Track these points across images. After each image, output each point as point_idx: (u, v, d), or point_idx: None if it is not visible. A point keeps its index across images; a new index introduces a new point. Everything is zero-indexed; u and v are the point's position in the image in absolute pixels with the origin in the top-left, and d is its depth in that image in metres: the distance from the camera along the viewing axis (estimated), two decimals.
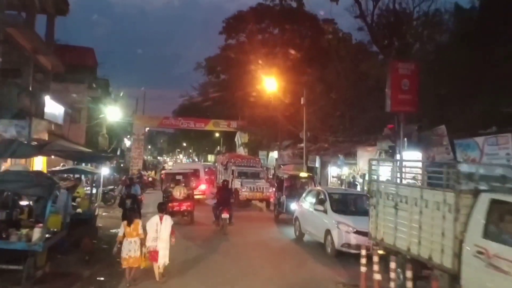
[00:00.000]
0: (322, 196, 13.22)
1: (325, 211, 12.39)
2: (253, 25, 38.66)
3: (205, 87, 56.27)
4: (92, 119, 34.01)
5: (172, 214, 13.80)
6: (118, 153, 53.57)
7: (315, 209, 12.93)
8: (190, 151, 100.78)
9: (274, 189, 21.55)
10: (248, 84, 36.51)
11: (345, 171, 24.95)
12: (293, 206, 16.07)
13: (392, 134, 17.54)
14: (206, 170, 29.66)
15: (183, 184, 17.29)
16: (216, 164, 32.27)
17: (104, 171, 20.89)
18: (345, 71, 25.56)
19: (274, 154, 34.57)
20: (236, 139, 43.02)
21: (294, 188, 18.46)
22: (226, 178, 21.90)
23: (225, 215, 14.81)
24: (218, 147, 65.37)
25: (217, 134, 59.51)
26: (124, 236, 8.59)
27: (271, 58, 34.43)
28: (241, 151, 42.34)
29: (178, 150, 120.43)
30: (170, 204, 15.59)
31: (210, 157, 67.63)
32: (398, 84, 15.05)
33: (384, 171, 10.25)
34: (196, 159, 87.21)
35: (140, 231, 8.72)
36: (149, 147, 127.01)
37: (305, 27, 37.95)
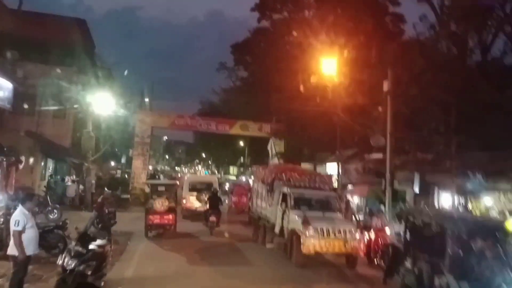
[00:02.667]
0: None
1: None
2: None
3: (228, 92, 46.30)
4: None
5: (152, 227, 15.63)
6: (123, 161, 43.39)
7: None
8: (209, 162, 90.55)
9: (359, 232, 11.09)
10: (286, 78, 25.90)
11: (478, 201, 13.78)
12: None
13: None
14: (233, 187, 25.47)
15: (165, 196, 16.48)
16: (252, 180, 22.57)
17: None
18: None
19: (330, 169, 23.66)
20: (269, 147, 32.18)
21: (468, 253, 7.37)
22: (271, 203, 13.68)
23: (212, 219, 16.87)
24: (242, 158, 54.53)
25: (241, 143, 48.81)
26: None
27: (329, 36, 23.57)
28: (276, 162, 31.44)
29: (197, 161, 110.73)
30: (150, 217, 15.65)
31: (233, 170, 56.75)
32: None
33: None
34: (216, 171, 76.63)
35: None
36: (167, 157, 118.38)
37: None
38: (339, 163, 21.01)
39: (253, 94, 34.73)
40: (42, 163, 23.35)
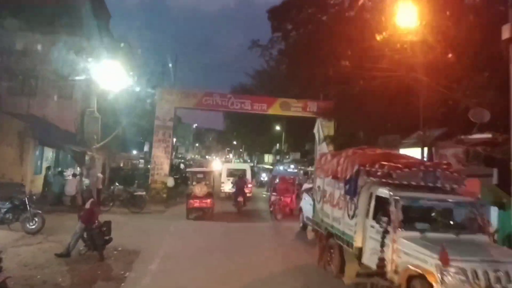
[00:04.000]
0: None
1: None
2: None
3: (262, 74, 40.80)
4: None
5: (192, 210, 16.82)
6: (146, 149, 38.45)
7: None
8: (241, 150, 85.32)
9: None
10: (342, 43, 19.99)
11: None
12: None
13: None
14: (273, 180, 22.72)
15: (204, 182, 17.67)
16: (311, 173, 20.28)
17: None
18: None
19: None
20: (315, 131, 26.35)
21: None
22: (353, 213, 8.43)
23: (240, 199, 19.48)
24: (278, 145, 48.82)
25: (277, 128, 43.08)
26: None
27: None
28: (323, 149, 25.68)
29: (228, 149, 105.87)
30: (190, 201, 16.86)
31: (268, 158, 51.15)
32: None
33: None
34: (248, 160, 71.26)
35: None
36: (197, 145, 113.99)
37: None
38: (427, 148, 15.03)
39: (294, 68, 29.05)
40: (37, 152, 18.43)
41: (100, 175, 18.71)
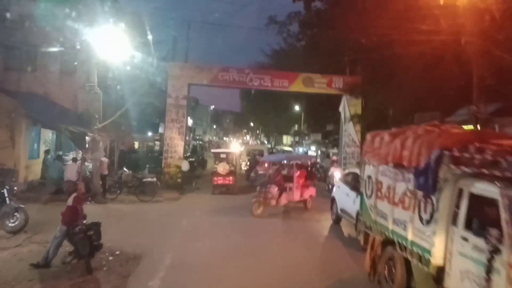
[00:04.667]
0: None
1: None
2: None
3: (280, 53, 37.94)
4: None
5: (217, 186, 18.80)
6: (161, 130, 36.18)
7: None
8: (258, 131, 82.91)
9: None
10: (372, 6, 17.13)
11: None
12: None
13: None
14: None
15: (226, 162, 19.45)
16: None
17: None
18: None
19: None
20: (341, 109, 23.61)
21: None
22: (429, 217, 5.74)
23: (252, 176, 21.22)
24: (296, 126, 46.14)
25: (296, 108, 40.35)
26: None
27: None
28: (350, 129, 23.17)
29: (245, 130, 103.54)
30: (215, 178, 18.92)
31: (286, 139, 48.56)
32: None
33: None
34: (266, 141, 68.76)
35: None
36: (214, 127, 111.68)
37: None
38: (480, 127, 12.24)
39: (316, 40, 26.27)
40: (33, 134, 16.26)
41: (104, 159, 16.51)
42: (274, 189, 14.21)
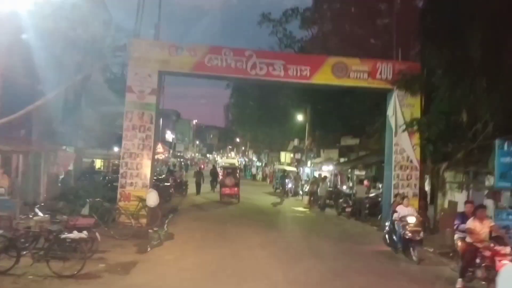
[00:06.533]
0: None
1: None
2: None
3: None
4: None
5: (224, 196, 22.29)
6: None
7: None
8: (244, 148, 74.03)
9: None
10: None
11: None
12: None
13: None
14: None
15: (231, 176, 22.98)
16: None
17: None
18: None
19: None
20: (390, 112, 15.68)
21: None
22: None
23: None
24: (296, 141, 37.82)
25: (300, 118, 32.18)
26: None
27: None
28: (404, 141, 15.37)
29: (230, 147, 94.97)
30: (223, 189, 22.52)
31: (284, 157, 40.40)
32: None
33: None
34: (255, 159, 60.43)
35: None
36: (197, 143, 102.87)
37: None
38: None
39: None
40: None
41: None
42: None
